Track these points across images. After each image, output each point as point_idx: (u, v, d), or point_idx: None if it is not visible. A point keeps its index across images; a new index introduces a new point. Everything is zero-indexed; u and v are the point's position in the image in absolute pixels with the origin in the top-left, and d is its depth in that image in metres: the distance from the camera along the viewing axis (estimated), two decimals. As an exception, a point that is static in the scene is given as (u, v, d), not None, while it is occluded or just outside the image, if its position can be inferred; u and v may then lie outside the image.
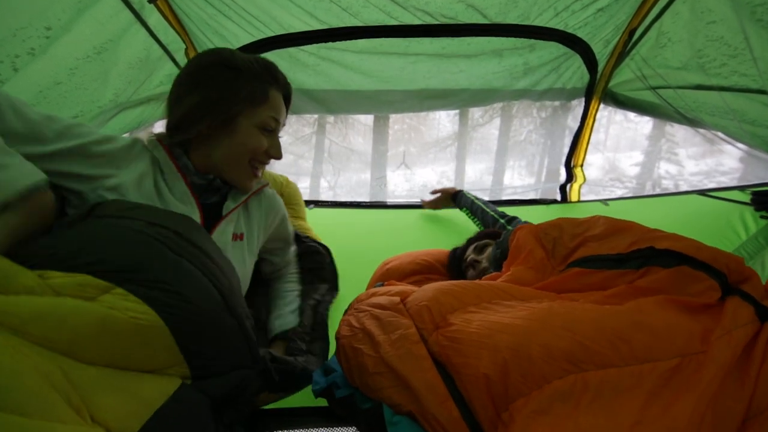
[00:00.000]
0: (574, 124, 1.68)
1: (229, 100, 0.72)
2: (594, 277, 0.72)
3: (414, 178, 4.33)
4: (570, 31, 1.30)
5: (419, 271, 1.13)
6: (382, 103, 1.53)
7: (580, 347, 0.54)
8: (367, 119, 4.09)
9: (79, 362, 0.45)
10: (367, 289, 1.06)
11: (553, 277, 0.78)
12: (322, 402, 0.74)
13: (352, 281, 1.10)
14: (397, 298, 0.74)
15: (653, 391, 0.50)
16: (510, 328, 0.59)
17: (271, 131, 0.77)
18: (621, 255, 0.71)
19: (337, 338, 0.74)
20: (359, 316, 0.73)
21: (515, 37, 1.30)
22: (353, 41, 1.26)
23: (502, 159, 4.48)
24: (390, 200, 1.99)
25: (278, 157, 0.80)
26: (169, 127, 0.75)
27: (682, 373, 0.52)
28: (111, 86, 1.09)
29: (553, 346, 0.55)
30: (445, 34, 1.26)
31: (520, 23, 1.24)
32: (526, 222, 1.11)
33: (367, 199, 2.21)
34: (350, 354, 0.68)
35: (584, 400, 0.50)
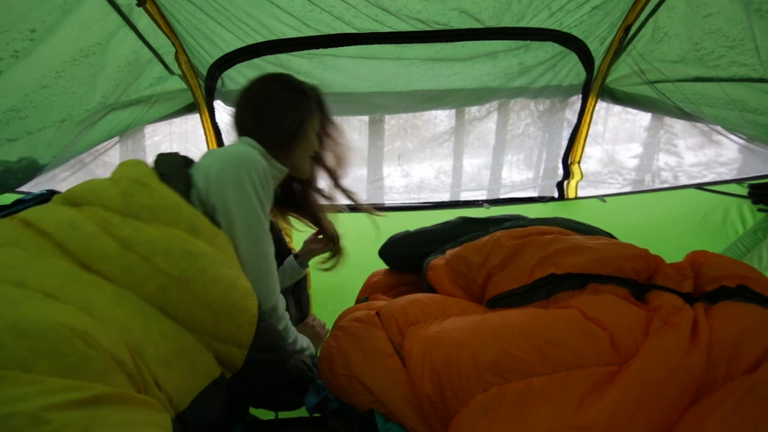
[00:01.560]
0: (571, 116, 1.69)
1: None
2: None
3: (411, 175, 4.33)
4: (565, 30, 1.29)
5: (405, 282, 1.08)
6: (376, 105, 1.53)
7: (506, 356, 0.52)
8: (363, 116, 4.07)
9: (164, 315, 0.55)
10: (356, 302, 1.05)
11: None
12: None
13: (350, 292, 1.10)
14: (372, 312, 0.73)
15: (582, 397, 0.48)
16: (446, 342, 0.57)
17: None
18: (525, 287, 0.66)
19: (319, 361, 0.75)
20: (337, 335, 0.74)
21: (510, 39, 1.29)
22: (346, 47, 1.26)
23: (499, 153, 4.47)
24: (388, 202, 2.00)
25: None
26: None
27: (619, 375, 0.49)
28: (99, 89, 1.08)
29: (480, 357, 0.53)
30: (439, 40, 1.25)
31: (514, 26, 1.24)
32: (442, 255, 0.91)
33: (365, 197, 2.21)
34: (330, 376, 0.69)
35: (500, 411, 0.49)
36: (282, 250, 1.08)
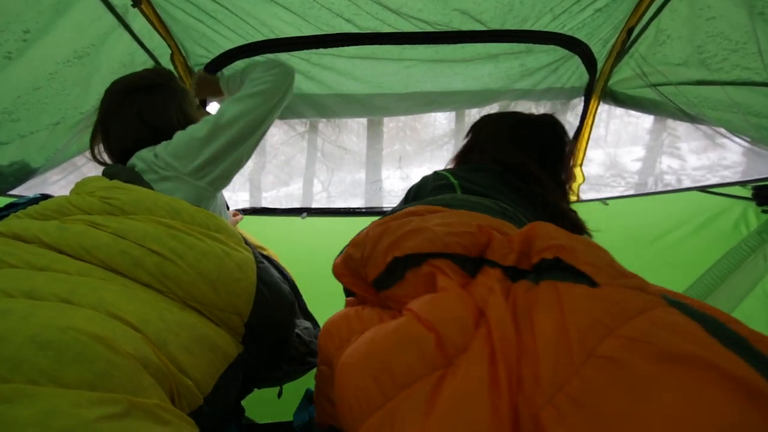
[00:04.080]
0: (573, 119, 1.69)
1: None
2: (393, 303, 0.64)
3: (410, 178, 4.34)
4: (569, 33, 1.30)
5: None
6: (375, 108, 1.54)
7: (349, 407, 0.47)
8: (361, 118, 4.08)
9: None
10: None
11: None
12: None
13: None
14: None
15: (417, 417, 0.41)
16: (340, 370, 0.53)
17: None
18: (383, 272, 0.62)
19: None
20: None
21: (513, 42, 1.30)
22: (345, 48, 1.26)
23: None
24: (386, 205, 2.00)
25: None
26: None
27: (446, 378, 0.44)
28: (94, 91, 1.08)
29: (339, 408, 0.49)
30: (440, 42, 1.25)
31: (517, 29, 1.24)
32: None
33: (363, 201, 2.21)
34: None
35: None
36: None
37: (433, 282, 0.56)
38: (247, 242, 1.07)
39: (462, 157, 1.04)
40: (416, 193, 0.93)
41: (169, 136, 0.83)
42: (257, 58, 1.27)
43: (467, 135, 1.06)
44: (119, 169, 0.79)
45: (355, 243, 0.71)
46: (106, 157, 0.91)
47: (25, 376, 0.40)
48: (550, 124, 1.01)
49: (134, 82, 0.88)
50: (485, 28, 1.24)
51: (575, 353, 0.38)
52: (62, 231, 0.59)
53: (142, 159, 0.80)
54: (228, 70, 1.29)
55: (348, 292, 0.92)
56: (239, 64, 1.28)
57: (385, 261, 0.61)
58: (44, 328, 0.43)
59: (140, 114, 0.85)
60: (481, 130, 1.04)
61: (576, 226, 0.89)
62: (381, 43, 1.25)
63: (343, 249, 0.81)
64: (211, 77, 1.19)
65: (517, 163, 0.92)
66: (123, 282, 0.56)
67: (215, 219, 0.71)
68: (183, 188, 0.78)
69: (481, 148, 1.00)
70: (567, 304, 0.42)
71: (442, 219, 0.63)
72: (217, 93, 1.18)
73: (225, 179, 0.85)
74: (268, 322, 0.70)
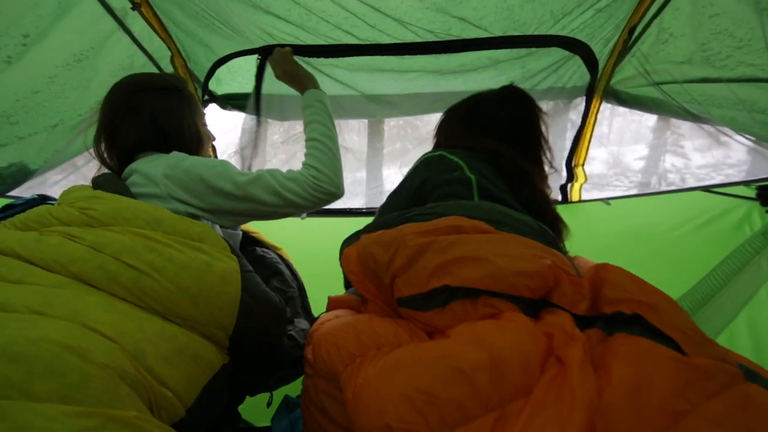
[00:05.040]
0: (575, 117, 1.69)
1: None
2: (417, 322, 0.60)
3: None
4: (570, 35, 1.30)
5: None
6: (376, 109, 1.54)
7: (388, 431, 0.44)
8: (362, 116, 4.07)
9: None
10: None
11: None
12: None
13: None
14: (310, 355, 0.67)
15: None
16: (367, 393, 0.50)
17: None
18: (423, 294, 0.58)
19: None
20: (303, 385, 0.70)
21: (515, 48, 1.29)
22: (345, 59, 1.26)
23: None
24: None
25: None
26: None
27: (509, 420, 0.42)
28: (93, 94, 1.09)
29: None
30: (441, 51, 1.24)
31: (518, 34, 1.24)
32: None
33: (363, 201, 2.21)
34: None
35: None
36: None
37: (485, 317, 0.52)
38: (261, 243, 1.07)
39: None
40: (424, 183, 0.82)
41: (172, 145, 0.80)
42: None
43: (434, 138, 1.01)
44: (106, 178, 0.77)
45: (382, 242, 0.64)
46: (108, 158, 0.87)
47: None
48: (510, 96, 0.93)
49: (151, 81, 0.84)
50: (487, 34, 1.23)
51: (653, 420, 0.38)
52: (38, 243, 0.58)
53: (143, 174, 0.75)
54: (317, 94, 1.01)
55: (348, 285, 0.88)
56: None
57: (429, 284, 0.56)
58: (14, 339, 0.42)
59: (153, 114, 0.80)
60: (440, 129, 0.99)
61: (555, 218, 0.85)
62: (382, 54, 1.24)
63: (356, 235, 0.75)
64: (299, 70, 1.04)
65: (492, 151, 0.85)
66: (100, 295, 0.55)
67: (197, 226, 0.68)
68: (181, 210, 0.73)
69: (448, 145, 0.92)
70: (651, 364, 0.42)
71: (500, 248, 0.58)
72: (293, 86, 1.04)
73: (232, 222, 0.82)
74: (255, 333, 0.67)
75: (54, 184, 1.38)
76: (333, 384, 0.61)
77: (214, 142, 0.98)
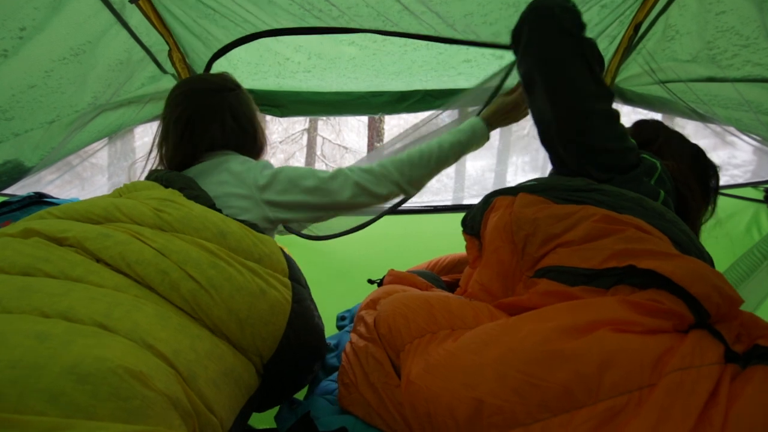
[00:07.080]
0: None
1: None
2: (559, 295, 0.60)
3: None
4: (576, 31, 1.31)
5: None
6: (376, 106, 1.55)
7: (475, 410, 0.44)
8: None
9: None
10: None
11: (515, 297, 0.65)
12: None
13: (348, 298, 1.10)
14: (371, 318, 0.68)
15: None
16: (422, 394, 0.49)
17: None
18: (593, 270, 0.58)
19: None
20: (347, 350, 0.71)
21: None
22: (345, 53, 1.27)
23: (504, 155, 4.47)
24: (387, 205, 2.00)
25: None
26: None
27: (618, 417, 0.41)
28: (90, 89, 1.09)
29: (457, 413, 0.45)
30: (443, 41, 1.24)
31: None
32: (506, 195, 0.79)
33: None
34: (345, 392, 0.66)
35: None
36: None
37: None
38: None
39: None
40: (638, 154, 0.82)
41: (246, 143, 0.92)
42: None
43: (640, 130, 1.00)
44: (174, 175, 0.78)
45: (556, 215, 0.64)
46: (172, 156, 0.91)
47: (62, 410, 0.39)
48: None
49: (221, 83, 0.93)
50: (494, 30, 1.22)
51: None
52: (106, 239, 0.58)
53: (232, 173, 0.83)
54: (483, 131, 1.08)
55: (379, 283, 0.92)
56: None
57: (606, 263, 0.56)
58: (83, 358, 0.43)
59: (233, 112, 0.90)
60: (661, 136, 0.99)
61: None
62: (382, 33, 1.22)
63: (487, 201, 0.78)
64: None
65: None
66: (157, 301, 0.56)
67: (260, 246, 0.68)
68: (254, 211, 0.82)
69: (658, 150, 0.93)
70: None
71: (690, 262, 0.56)
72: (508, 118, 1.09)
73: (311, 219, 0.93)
74: (287, 365, 0.68)
75: (49, 183, 1.38)
76: (384, 352, 0.62)
77: None
